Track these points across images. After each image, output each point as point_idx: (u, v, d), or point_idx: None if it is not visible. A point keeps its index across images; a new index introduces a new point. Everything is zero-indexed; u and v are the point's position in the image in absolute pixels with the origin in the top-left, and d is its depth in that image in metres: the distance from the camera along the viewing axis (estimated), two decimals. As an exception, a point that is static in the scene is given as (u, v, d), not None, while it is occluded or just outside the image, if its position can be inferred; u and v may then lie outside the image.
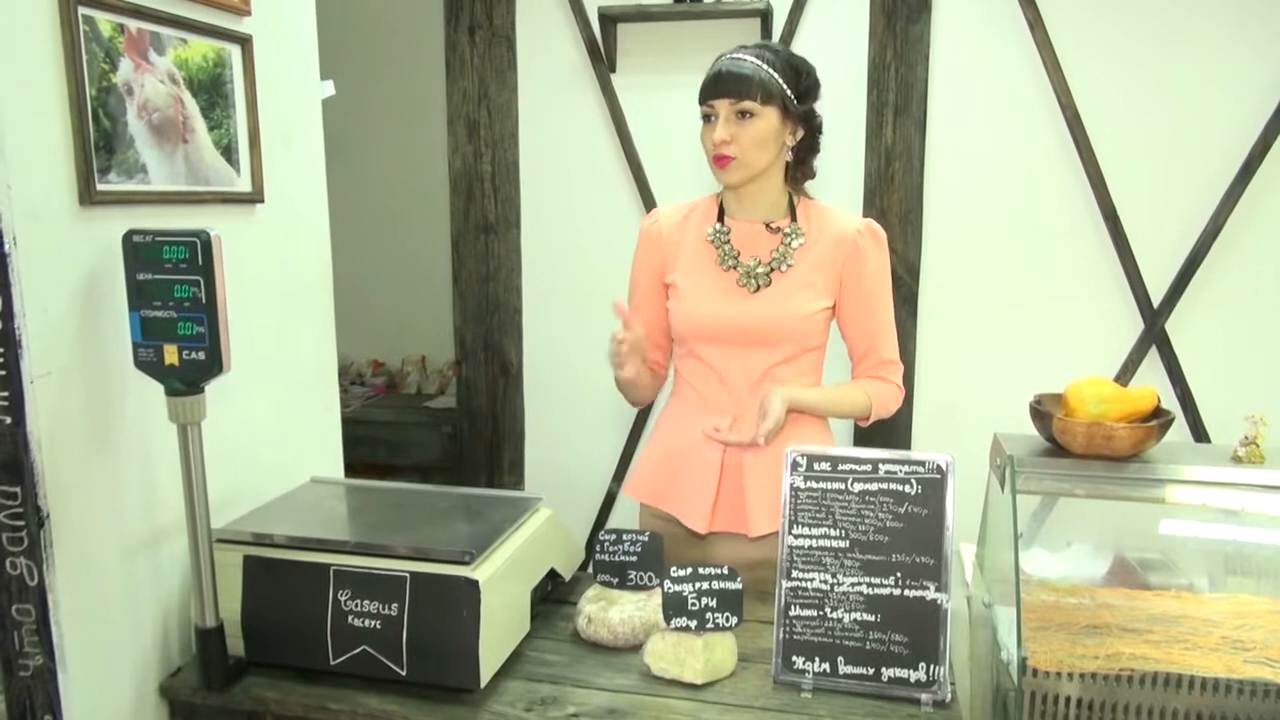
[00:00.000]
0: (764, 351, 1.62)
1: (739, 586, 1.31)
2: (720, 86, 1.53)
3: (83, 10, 1.17)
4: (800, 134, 1.61)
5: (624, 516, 3.03)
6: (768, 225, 1.63)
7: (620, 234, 2.88)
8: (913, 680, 1.26)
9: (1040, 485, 1.49)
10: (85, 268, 1.19)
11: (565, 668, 1.36)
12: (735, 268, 1.63)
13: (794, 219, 1.64)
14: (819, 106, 1.63)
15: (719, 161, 1.57)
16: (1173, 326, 2.58)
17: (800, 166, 1.65)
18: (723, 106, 1.54)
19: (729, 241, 1.64)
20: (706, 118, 1.58)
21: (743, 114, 1.53)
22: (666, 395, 1.79)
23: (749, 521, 1.62)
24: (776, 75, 1.53)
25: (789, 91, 1.55)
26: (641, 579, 1.46)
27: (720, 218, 1.67)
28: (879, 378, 1.68)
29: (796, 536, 1.32)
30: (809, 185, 1.70)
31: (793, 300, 1.60)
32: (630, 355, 1.56)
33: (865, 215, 2.67)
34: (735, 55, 1.56)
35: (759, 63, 1.53)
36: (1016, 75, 2.57)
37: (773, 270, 1.61)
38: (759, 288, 1.61)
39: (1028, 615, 1.40)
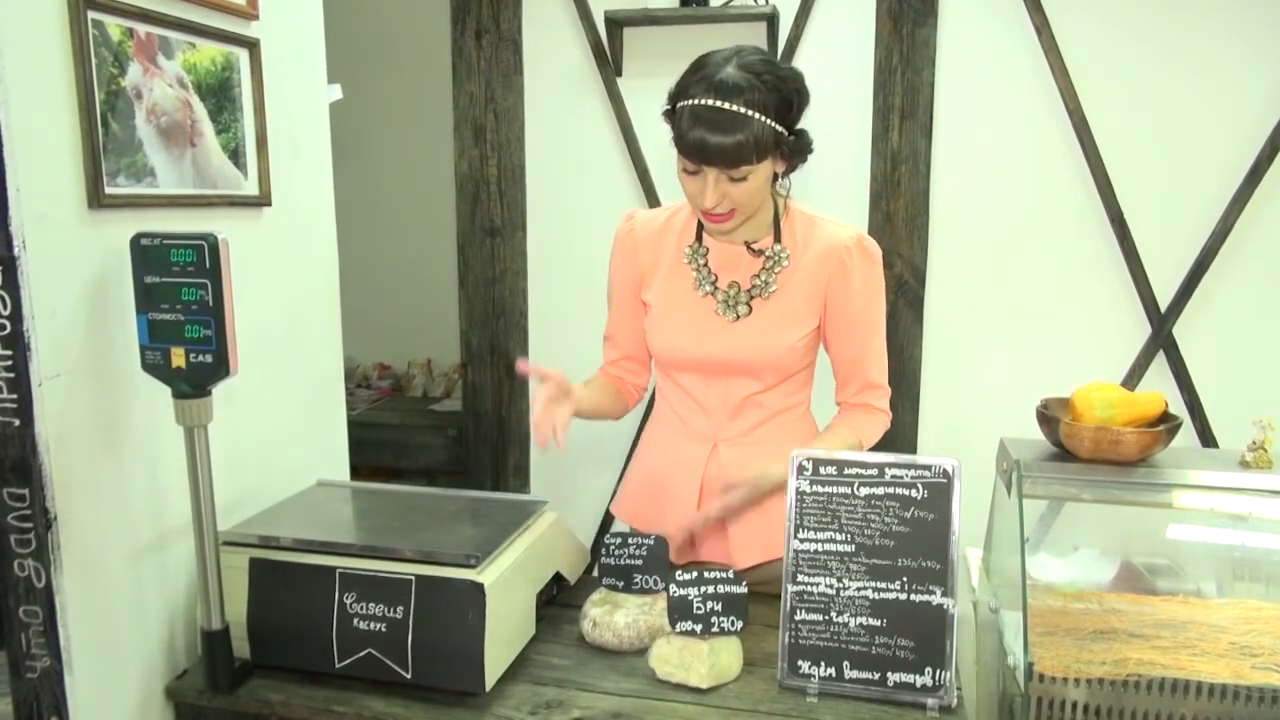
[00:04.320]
0: (745, 380, 1.53)
1: (744, 590, 1.31)
2: (710, 151, 1.32)
3: (92, 15, 1.17)
4: (789, 161, 1.45)
5: (629, 520, 3.03)
6: (749, 246, 1.51)
7: (626, 237, 2.88)
8: (919, 685, 1.26)
9: (1047, 490, 1.49)
10: (93, 271, 1.20)
11: (570, 671, 1.35)
12: (713, 294, 1.51)
13: (778, 238, 1.51)
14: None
15: (712, 220, 1.43)
16: (1180, 331, 2.58)
17: (781, 181, 1.52)
18: (712, 170, 1.36)
19: (707, 264, 1.52)
20: (689, 169, 1.39)
21: (736, 177, 1.37)
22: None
23: (733, 553, 1.58)
24: (771, 121, 1.34)
25: (782, 129, 1.37)
26: (647, 583, 1.45)
27: (699, 235, 1.54)
28: (864, 406, 1.58)
29: (802, 541, 1.31)
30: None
31: (775, 330, 1.50)
32: (554, 411, 1.40)
33: (871, 219, 2.68)
34: (723, 104, 1.31)
35: (753, 114, 1.31)
36: (1023, 79, 2.57)
37: (754, 297, 1.50)
38: (739, 317, 1.50)
39: (1034, 620, 1.40)
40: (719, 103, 1.32)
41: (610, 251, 1.65)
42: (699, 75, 1.36)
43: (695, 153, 1.35)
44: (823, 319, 1.54)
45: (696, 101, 1.34)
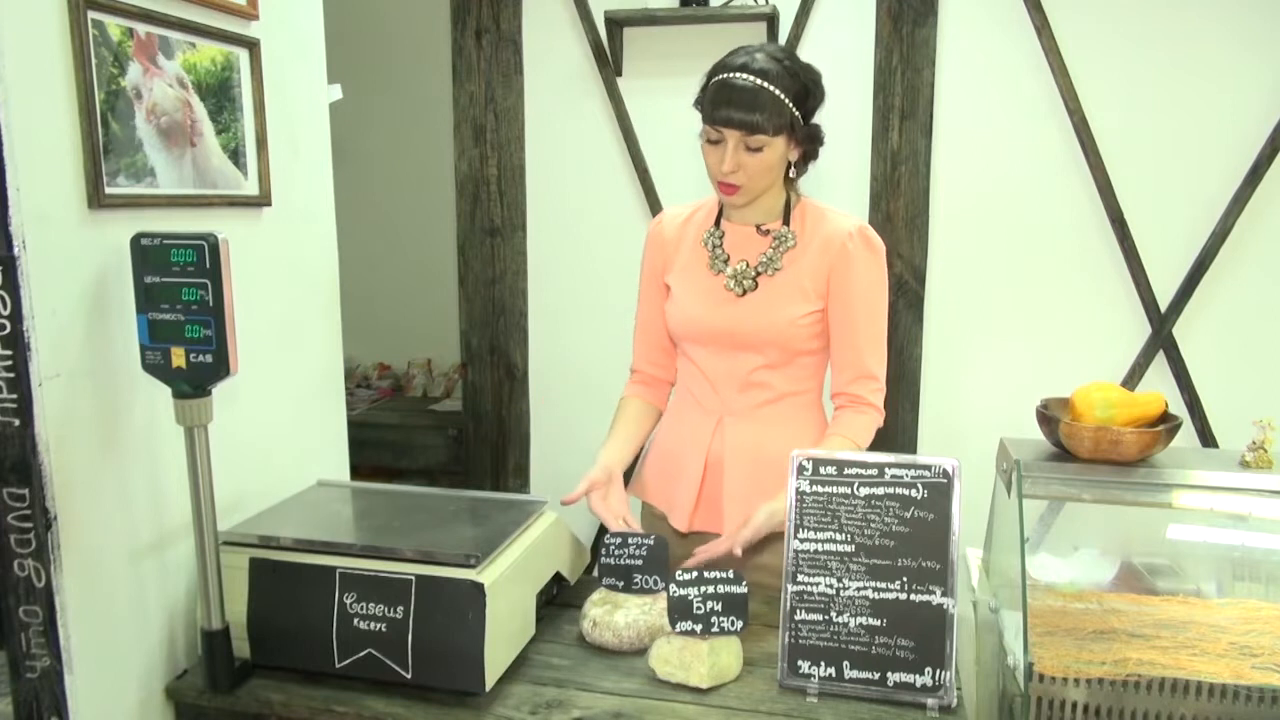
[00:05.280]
0: (750, 355, 1.61)
1: (744, 590, 1.31)
2: (733, 119, 1.48)
3: (92, 15, 1.17)
4: (802, 149, 1.58)
5: (629, 520, 3.03)
6: (759, 228, 1.62)
7: (626, 237, 2.88)
8: (919, 685, 1.26)
9: (1047, 490, 1.49)
10: (93, 271, 1.20)
11: (570, 671, 1.36)
12: (724, 271, 1.62)
13: (786, 222, 1.61)
14: (823, 112, 1.61)
15: (724, 189, 1.55)
16: (1180, 331, 2.57)
17: (795, 171, 1.61)
18: (732, 136, 1.49)
19: (721, 245, 1.64)
20: (711, 139, 1.53)
21: (752, 146, 1.50)
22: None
23: (724, 523, 1.63)
24: (789, 102, 1.49)
25: (798, 114, 1.51)
26: (647, 582, 1.45)
27: (718, 221, 1.67)
28: (856, 401, 1.61)
29: (802, 541, 1.31)
30: (808, 185, 1.69)
31: (778, 304, 1.58)
32: (611, 503, 1.57)
33: (871, 219, 2.68)
34: (748, 79, 1.47)
35: (774, 90, 1.47)
36: (1023, 79, 2.57)
37: (760, 274, 1.60)
38: (745, 291, 1.60)
39: (1034, 620, 1.40)
40: (745, 77, 1.48)
41: (640, 249, 1.77)
42: (729, 58, 1.53)
43: (721, 118, 1.49)
44: (826, 305, 1.61)
45: (726, 76, 1.50)
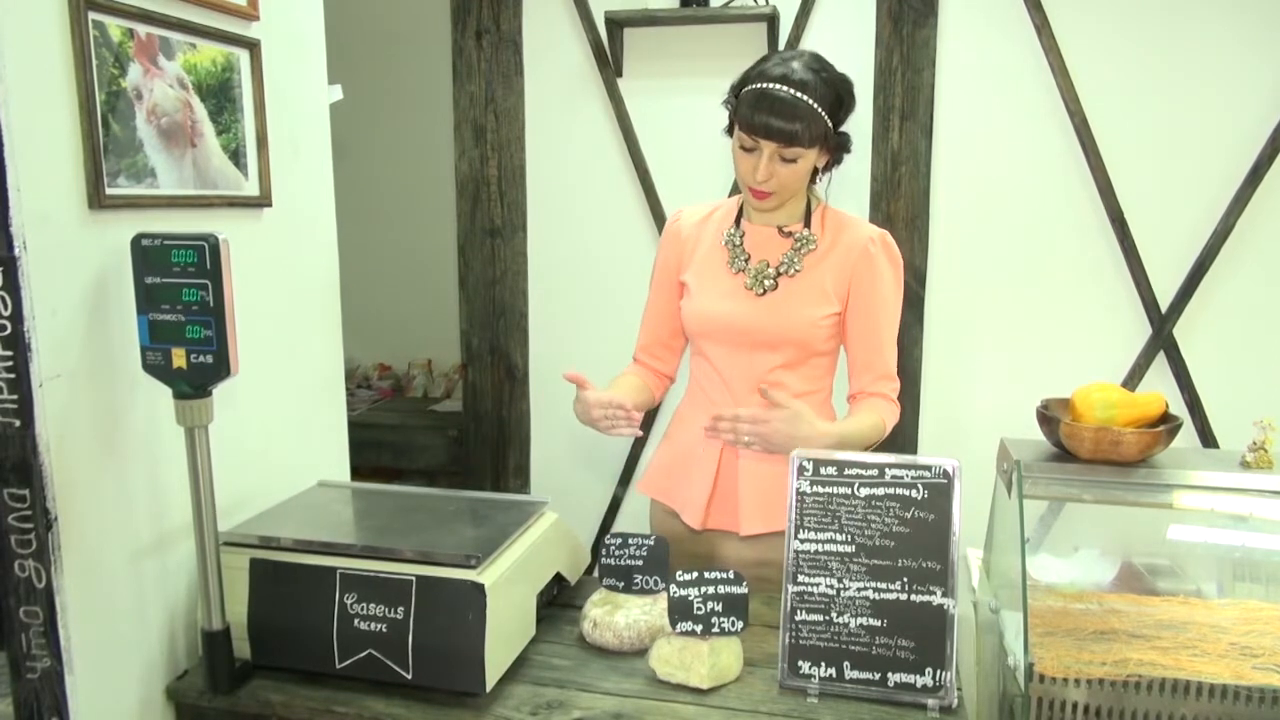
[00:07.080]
0: (766, 354, 1.62)
1: (744, 591, 1.31)
2: (772, 130, 1.48)
3: (92, 15, 1.17)
4: (830, 155, 1.61)
5: (630, 520, 3.03)
6: (781, 229, 1.64)
7: (627, 237, 2.88)
8: (919, 685, 1.26)
9: (1047, 490, 1.49)
10: (94, 271, 1.20)
11: (570, 672, 1.36)
12: (745, 270, 1.64)
13: (808, 225, 1.64)
14: None
15: (757, 195, 1.57)
16: (1180, 331, 2.57)
17: (820, 174, 1.65)
18: (768, 146, 1.51)
19: (742, 244, 1.65)
20: (746, 146, 1.53)
21: (787, 156, 1.52)
22: (682, 391, 1.81)
23: (740, 520, 1.64)
24: (824, 114, 1.50)
25: (831, 125, 1.54)
26: (647, 583, 1.45)
27: (738, 221, 1.68)
28: (881, 395, 1.65)
29: (802, 541, 1.31)
30: (825, 191, 1.71)
31: (797, 304, 1.60)
32: (619, 416, 1.55)
33: (871, 220, 2.68)
34: (787, 91, 1.47)
35: (811, 103, 1.48)
36: (1023, 79, 2.57)
37: (781, 274, 1.62)
38: (765, 291, 1.62)
39: (1035, 621, 1.40)
40: (785, 89, 1.48)
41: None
42: (767, 65, 1.53)
43: (759, 129, 1.49)
44: (845, 309, 1.63)
45: (765, 86, 1.50)
